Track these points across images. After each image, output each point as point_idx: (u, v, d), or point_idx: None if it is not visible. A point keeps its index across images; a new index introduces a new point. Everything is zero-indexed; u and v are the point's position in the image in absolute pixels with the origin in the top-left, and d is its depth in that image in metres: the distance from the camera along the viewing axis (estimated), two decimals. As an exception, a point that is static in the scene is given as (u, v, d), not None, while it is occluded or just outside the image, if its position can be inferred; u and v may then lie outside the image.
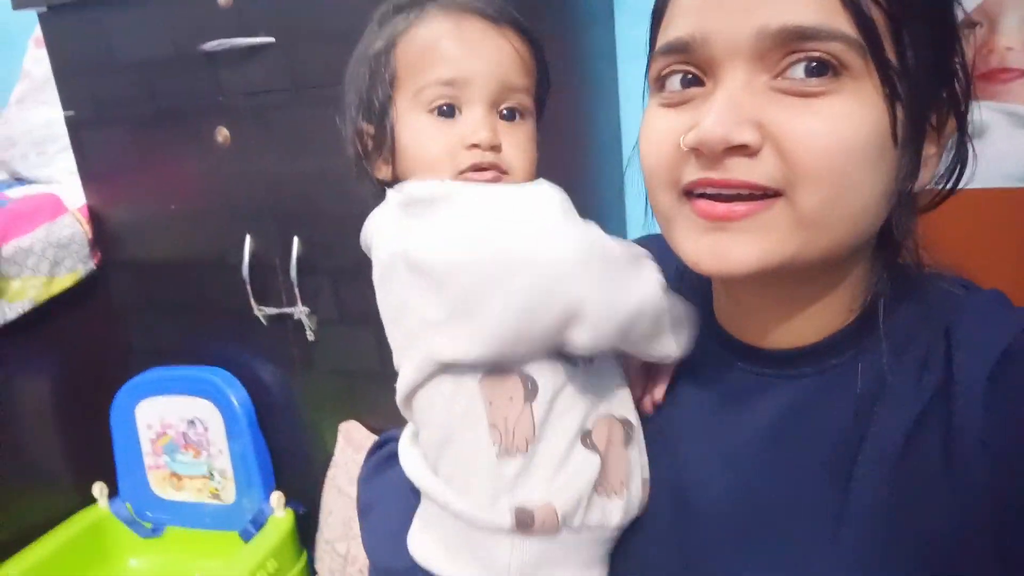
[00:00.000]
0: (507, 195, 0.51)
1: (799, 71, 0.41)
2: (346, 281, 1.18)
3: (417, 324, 0.50)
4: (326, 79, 1.07)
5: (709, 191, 0.43)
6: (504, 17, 0.55)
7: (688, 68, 0.44)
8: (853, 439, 0.44)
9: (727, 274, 0.44)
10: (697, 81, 0.44)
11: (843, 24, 0.40)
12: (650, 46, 0.49)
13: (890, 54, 0.41)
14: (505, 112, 0.55)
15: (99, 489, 1.41)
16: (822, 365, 0.48)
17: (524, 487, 0.48)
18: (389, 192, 0.54)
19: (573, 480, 0.49)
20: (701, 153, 0.42)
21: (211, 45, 1.11)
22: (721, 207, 0.42)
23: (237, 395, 1.32)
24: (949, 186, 0.47)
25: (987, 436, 0.40)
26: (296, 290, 1.20)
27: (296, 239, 1.18)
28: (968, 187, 0.48)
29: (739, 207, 0.42)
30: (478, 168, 0.53)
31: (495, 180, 0.54)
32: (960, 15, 0.44)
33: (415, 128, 0.54)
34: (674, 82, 0.45)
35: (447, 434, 0.50)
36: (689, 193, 0.44)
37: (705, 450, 0.51)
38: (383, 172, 0.56)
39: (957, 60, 0.44)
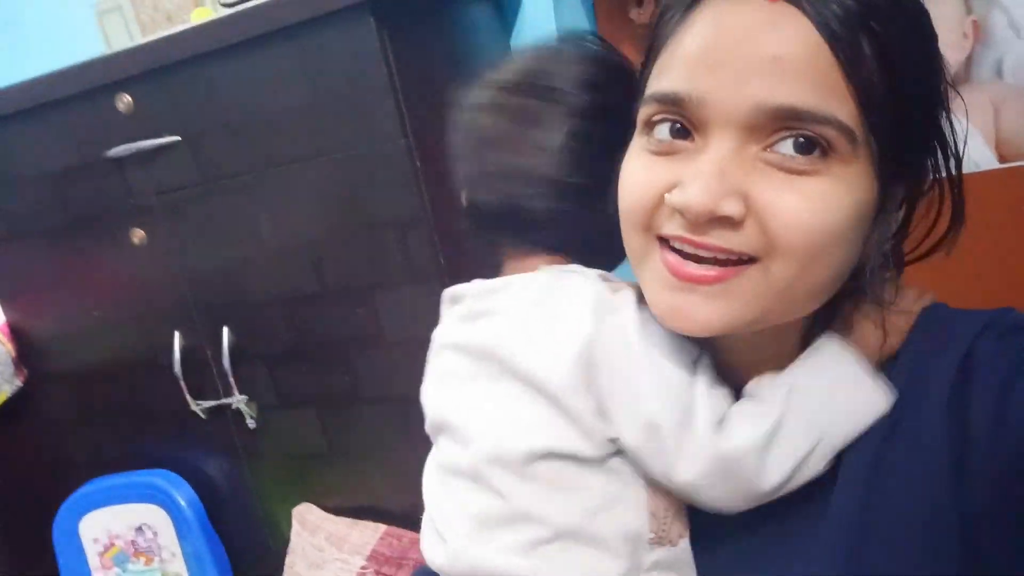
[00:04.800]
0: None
1: (788, 147, 0.41)
2: (281, 365, 1.18)
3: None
4: (234, 169, 1.09)
5: (686, 249, 0.44)
6: None
7: (679, 119, 0.44)
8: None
9: (690, 333, 0.45)
10: (685, 132, 0.44)
11: (839, 109, 0.40)
12: (641, 83, 0.48)
13: (887, 138, 0.42)
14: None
15: (48, 614, 1.35)
16: None
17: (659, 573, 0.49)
18: None
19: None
20: (683, 215, 0.43)
21: (117, 151, 1.12)
22: (692, 269, 0.43)
23: (183, 494, 1.29)
24: (944, 239, 0.49)
25: (952, 445, 0.43)
26: (231, 380, 1.19)
27: (226, 329, 1.18)
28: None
29: (711, 272, 0.43)
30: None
31: None
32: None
33: None
34: (663, 131, 0.45)
35: (594, 509, 0.48)
36: (661, 239, 0.45)
37: None
38: None
39: (942, 126, 0.46)
